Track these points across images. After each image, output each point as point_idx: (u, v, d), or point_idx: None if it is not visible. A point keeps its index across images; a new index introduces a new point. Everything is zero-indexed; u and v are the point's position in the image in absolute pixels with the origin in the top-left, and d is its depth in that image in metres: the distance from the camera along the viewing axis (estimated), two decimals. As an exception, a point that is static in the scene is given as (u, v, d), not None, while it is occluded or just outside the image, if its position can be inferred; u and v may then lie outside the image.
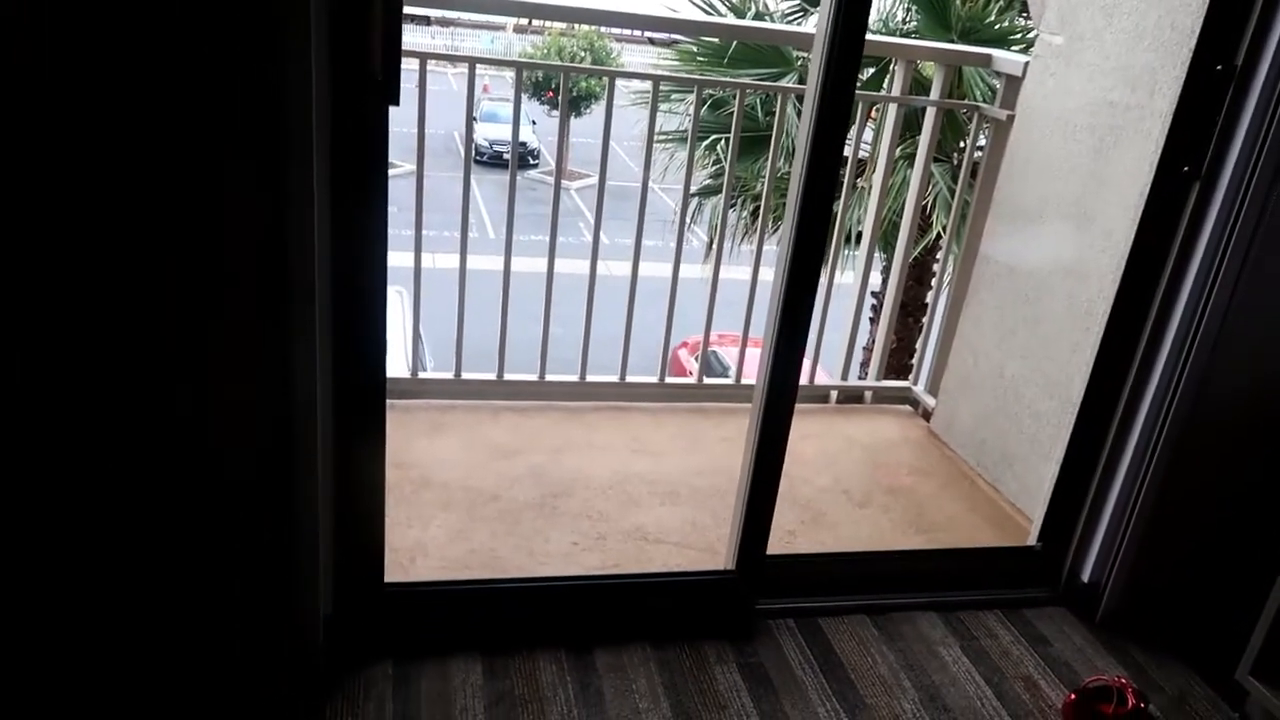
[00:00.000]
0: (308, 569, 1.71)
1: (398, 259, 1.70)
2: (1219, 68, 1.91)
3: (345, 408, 1.71)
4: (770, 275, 1.95)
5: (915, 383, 3.29)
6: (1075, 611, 2.27)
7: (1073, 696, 1.96)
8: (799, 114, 4.66)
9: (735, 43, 5.06)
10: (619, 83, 2.95)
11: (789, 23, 5.86)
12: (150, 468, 1.57)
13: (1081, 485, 2.24)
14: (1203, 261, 1.97)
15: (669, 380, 3.20)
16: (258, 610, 1.73)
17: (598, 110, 12.27)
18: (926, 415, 3.16)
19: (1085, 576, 2.26)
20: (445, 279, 2.93)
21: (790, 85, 4.58)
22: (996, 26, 5.20)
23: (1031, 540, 2.34)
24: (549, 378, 3.00)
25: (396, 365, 3.78)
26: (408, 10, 1.54)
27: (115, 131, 1.36)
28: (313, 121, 1.44)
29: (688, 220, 3.51)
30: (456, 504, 2.41)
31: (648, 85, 3.10)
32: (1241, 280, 1.95)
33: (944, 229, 4.70)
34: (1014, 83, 2.87)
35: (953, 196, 3.95)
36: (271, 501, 1.65)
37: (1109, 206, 2.41)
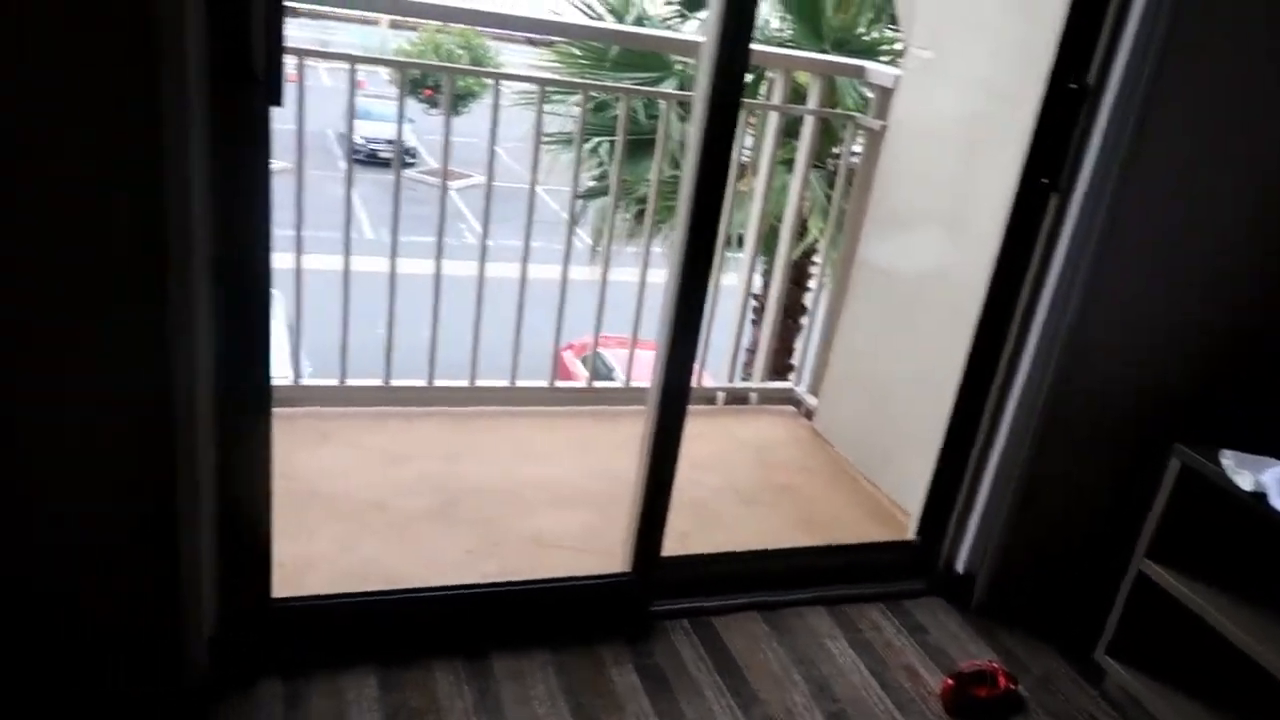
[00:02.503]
0: (189, 586, 1.64)
1: (275, 259, 1.64)
2: (1073, 85, 2.04)
3: (228, 412, 1.65)
4: (654, 277, 1.98)
5: (798, 383, 3.38)
6: (951, 600, 2.39)
7: (950, 681, 2.07)
8: (681, 119, 4.73)
9: (616, 47, 5.10)
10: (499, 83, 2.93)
11: (667, 27, 5.94)
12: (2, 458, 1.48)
13: (955, 481, 2.36)
14: (1063, 267, 2.11)
15: (559, 384, 3.20)
16: (133, 630, 1.65)
17: (476, 109, 12.11)
18: (809, 415, 3.26)
19: (960, 567, 2.38)
20: (320, 281, 2.85)
21: (673, 91, 4.65)
22: (866, 38, 5.40)
23: (910, 535, 2.45)
24: (437, 383, 2.96)
25: (278, 371, 3.65)
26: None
27: None
28: (191, 113, 1.39)
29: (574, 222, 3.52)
30: (346, 515, 2.35)
31: (529, 86, 3.09)
32: (1097, 284, 2.09)
33: (821, 233, 4.86)
34: (886, 94, 2.99)
35: (829, 202, 4.08)
36: (148, 511, 1.57)
37: (977, 214, 2.54)
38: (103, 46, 1.33)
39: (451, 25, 17.37)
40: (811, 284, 5.30)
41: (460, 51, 17.28)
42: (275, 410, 1.72)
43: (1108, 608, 2.13)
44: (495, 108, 2.84)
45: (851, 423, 3.04)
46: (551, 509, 2.52)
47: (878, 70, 3.13)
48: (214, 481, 1.66)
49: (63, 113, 1.34)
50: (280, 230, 1.59)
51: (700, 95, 1.79)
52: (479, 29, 17.86)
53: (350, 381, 2.87)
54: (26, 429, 1.48)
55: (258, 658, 1.82)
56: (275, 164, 1.56)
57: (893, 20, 5.46)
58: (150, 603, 1.64)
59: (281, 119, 1.56)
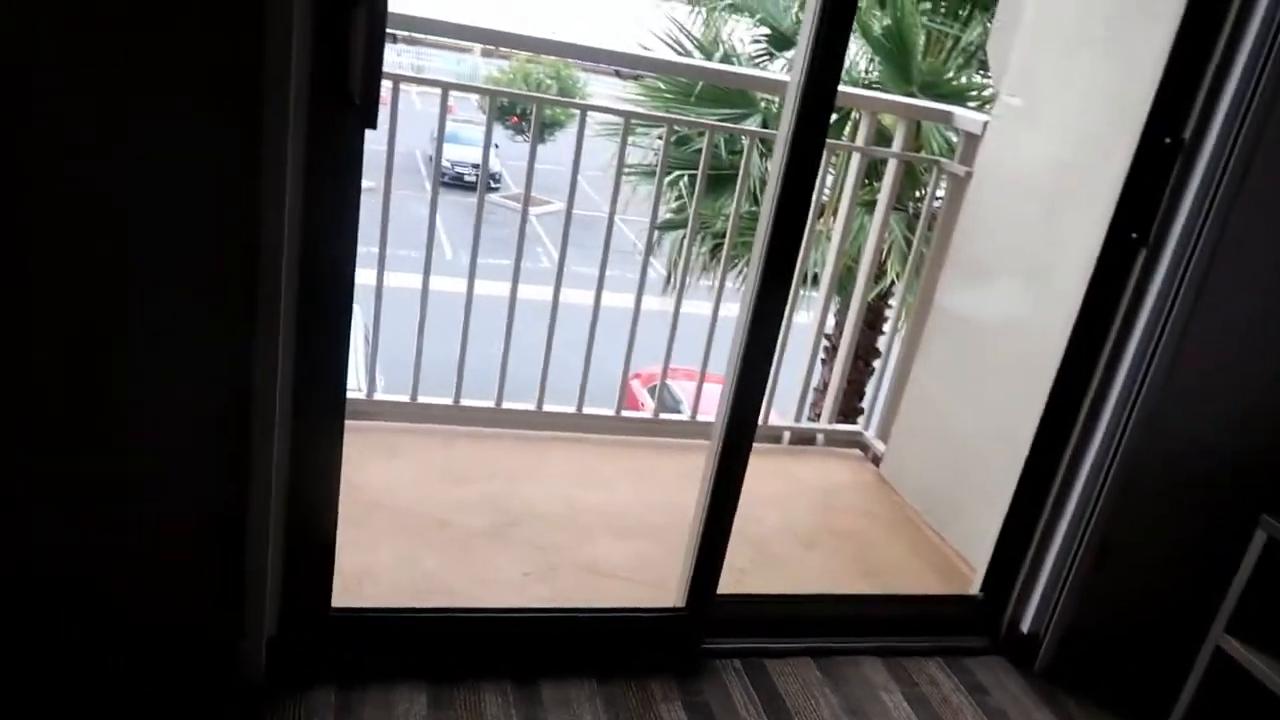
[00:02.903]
0: (253, 587, 1.69)
1: (357, 276, 1.69)
2: (1168, 140, 1.99)
3: (303, 420, 1.69)
4: (727, 311, 1.98)
5: (866, 427, 3.34)
6: (1014, 661, 2.31)
7: (1010, 745, 1.99)
8: (762, 156, 4.74)
9: (701, 82, 5.14)
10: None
11: (756, 65, 5.97)
12: (89, 457, 1.55)
13: (1024, 537, 2.29)
14: (1147, 325, 2.04)
15: (625, 413, 3.21)
16: (196, 627, 1.70)
17: (561, 137, 12.31)
18: (876, 460, 3.20)
19: (1025, 627, 2.31)
20: (400, 298, 2.92)
21: (756, 129, 4.66)
22: (955, 83, 5.35)
23: (974, 589, 2.38)
24: (506, 405, 3.00)
25: (352, 384, 3.74)
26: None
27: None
28: (288, 134, 1.45)
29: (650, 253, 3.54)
30: (407, 529, 2.38)
31: (613, 117, 3.13)
32: (1184, 345, 2.02)
33: (899, 276, 4.80)
34: (973, 140, 2.96)
35: (909, 245, 4.04)
36: (218, 511, 1.62)
37: (1060, 266, 2.49)
38: (215, 70, 1.40)
39: (542, 56, 17.76)
40: (886, 327, 5.24)
41: (549, 81, 17.64)
42: (348, 422, 1.76)
43: (1181, 681, 2.04)
44: (579, 137, 2.89)
45: (919, 470, 2.98)
46: (609, 537, 2.52)
47: (965, 115, 3.10)
48: (284, 487, 1.70)
49: (171, 129, 1.41)
50: (364, 247, 1.64)
51: (783, 134, 1.80)
52: (569, 60, 18.19)
53: (422, 398, 2.93)
54: (119, 430, 1.54)
55: (313, 664, 1.85)
56: (364, 183, 1.61)
57: (983, 66, 5.41)
58: (214, 601, 1.68)
59: (372, 139, 1.61)
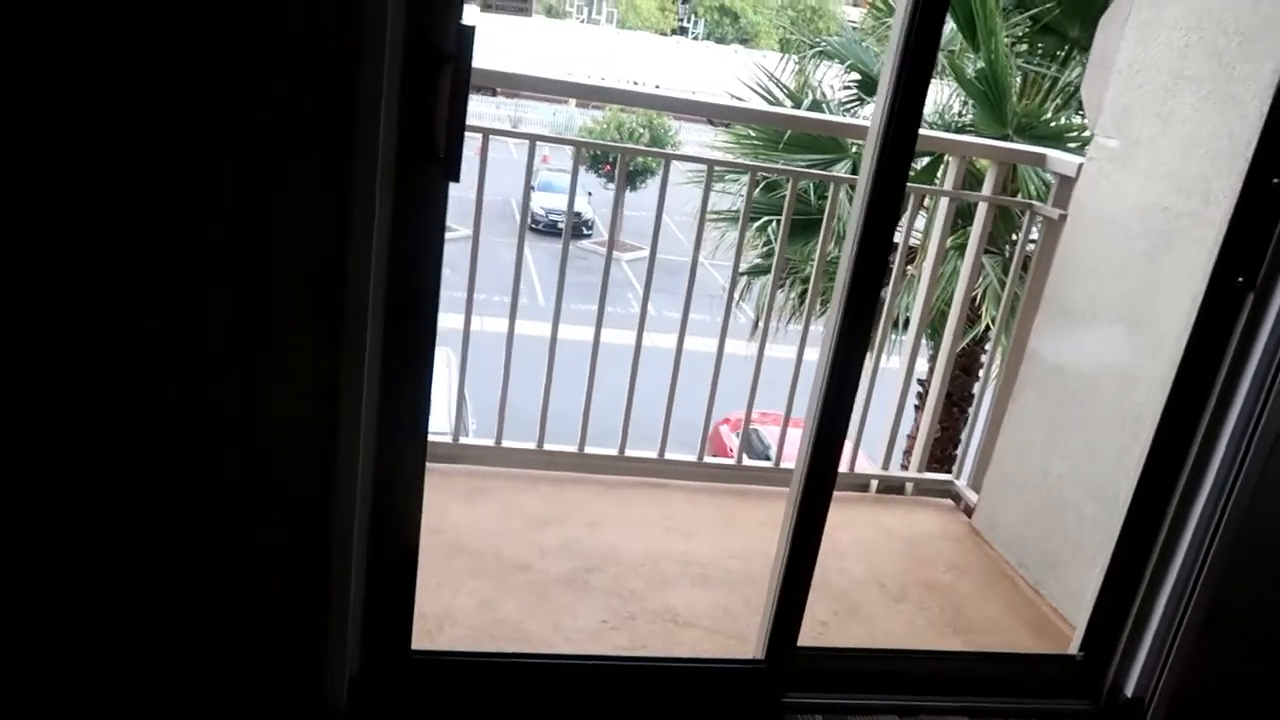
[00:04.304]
0: (336, 624, 1.72)
1: (447, 320, 1.74)
2: (1275, 180, 1.90)
3: (387, 463, 1.73)
4: (815, 356, 1.96)
5: (958, 476, 3.24)
6: (1117, 727, 2.18)
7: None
8: (851, 200, 4.70)
9: (790, 129, 5.15)
10: (675, 161, 3.02)
11: (845, 111, 5.95)
12: (188, 490, 1.61)
13: (1127, 595, 2.17)
14: (1256, 373, 1.94)
15: (707, 459, 3.19)
16: (284, 662, 1.74)
17: (652, 184, 12.48)
18: (968, 511, 3.10)
19: (1129, 691, 2.18)
20: (491, 342, 2.98)
21: (842, 175, 4.64)
22: (1052, 124, 5.23)
23: (1073, 649, 2.27)
24: (588, 450, 3.01)
25: (439, 427, 3.83)
26: (475, 83, 1.60)
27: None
28: (376, 186, 1.50)
29: (736, 298, 3.54)
30: (488, 572, 2.41)
31: (702, 165, 3.16)
32: (1297, 394, 1.91)
33: (993, 321, 4.68)
34: (1067, 182, 2.88)
35: (1002, 289, 3.94)
36: (310, 548, 1.67)
37: (1160, 312, 2.39)
38: (311, 126, 1.47)
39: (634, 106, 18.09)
40: (981, 373, 5.09)
41: (641, 130, 17.93)
42: (434, 466, 1.79)
43: (1303, 757, 1.90)
44: (663, 185, 2.92)
45: (1014, 522, 2.87)
46: (689, 586, 2.49)
47: (1059, 158, 3.02)
48: (367, 524, 1.74)
49: (269, 181, 1.48)
50: (456, 292, 1.68)
51: (864, 178, 1.79)
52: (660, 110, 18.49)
53: (506, 443, 2.97)
54: (214, 462, 1.61)
55: (393, 704, 1.87)
56: (457, 230, 1.65)
57: (1080, 107, 5.28)
58: (299, 636, 1.72)
59: (465, 188, 1.66)
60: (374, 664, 1.84)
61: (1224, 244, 1.97)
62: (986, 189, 3.15)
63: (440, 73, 1.53)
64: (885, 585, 2.65)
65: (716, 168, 3.70)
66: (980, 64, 5.14)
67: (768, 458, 4.68)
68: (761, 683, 2.04)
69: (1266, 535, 2.02)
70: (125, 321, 1.50)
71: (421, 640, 1.90)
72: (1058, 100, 5.36)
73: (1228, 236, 1.96)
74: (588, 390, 2.93)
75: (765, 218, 5.43)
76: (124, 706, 1.70)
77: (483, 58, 1.59)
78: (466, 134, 1.60)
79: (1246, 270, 1.95)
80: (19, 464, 1.53)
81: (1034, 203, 3.19)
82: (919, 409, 5.10)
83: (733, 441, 8.42)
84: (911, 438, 4.74)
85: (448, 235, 1.67)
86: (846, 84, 5.97)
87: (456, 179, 1.60)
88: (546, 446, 2.98)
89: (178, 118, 1.41)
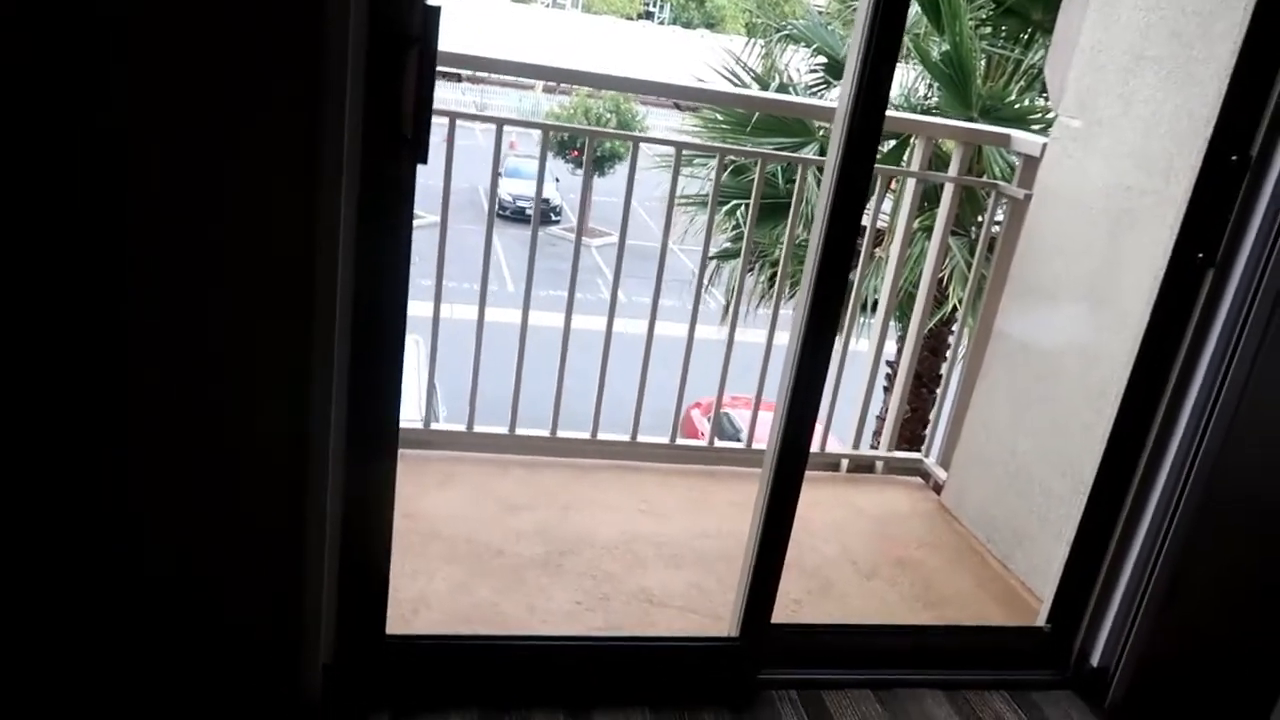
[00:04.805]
0: (310, 613, 1.71)
1: (416, 308, 1.73)
2: (1234, 158, 1.93)
3: (358, 450, 1.72)
4: (785, 339, 1.97)
5: (927, 455, 3.28)
6: (1083, 696, 2.23)
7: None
8: (819, 183, 4.72)
9: (758, 112, 5.16)
10: (643, 145, 3.01)
11: (812, 94, 5.97)
12: (159, 483, 1.59)
13: (1092, 567, 2.22)
14: (1216, 348, 1.98)
15: (680, 441, 3.20)
16: (254, 652, 1.73)
17: (621, 170, 12.44)
18: (937, 488, 3.14)
19: (1094, 660, 2.23)
20: (461, 330, 2.97)
21: (810, 156, 4.65)
22: (1016, 106, 5.28)
23: (1040, 621, 2.31)
24: (560, 434, 3.01)
25: (410, 414, 3.81)
26: (441, 68, 1.59)
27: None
28: (343, 170, 1.49)
29: (705, 282, 3.55)
30: (461, 557, 2.41)
31: (671, 149, 3.16)
32: (1255, 368, 1.95)
33: (960, 302, 4.73)
34: (1032, 162, 2.92)
35: (969, 270, 3.98)
36: (281, 537, 1.66)
37: (1123, 289, 2.43)
38: (271, 108, 1.45)
39: (602, 90, 18.02)
40: (949, 353, 5.15)
41: (609, 115, 17.86)
42: (406, 452, 1.78)
43: (1263, 718, 1.95)
44: (632, 169, 2.92)
45: (982, 498, 2.91)
46: (663, 567, 2.50)
47: (1023, 138, 3.05)
48: (339, 515, 1.73)
49: (230, 166, 1.46)
50: (424, 280, 1.67)
51: (831, 160, 1.79)
52: (627, 94, 18.41)
53: (478, 428, 2.96)
54: (184, 454, 1.59)
55: (368, 690, 1.87)
56: (424, 218, 1.64)
57: (1044, 89, 5.33)
58: (271, 626, 1.72)
59: (432, 175, 1.65)
60: (348, 651, 1.83)
61: (1184, 221, 2.00)
62: (953, 170, 3.18)
63: (407, 55, 1.52)
64: (857, 562, 2.68)
65: (685, 151, 3.70)
66: (945, 47, 5.18)
67: (739, 441, 4.70)
68: (736, 660, 2.06)
69: (1227, 506, 2.07)
70: (102, 315, 1.48)
71: (396, 626, 1.90)
72: (1021, 82, 5.41)
73: (1188, 213, 2.00)
74: (559, 375, 2.92)
75: (734, 202, 5.44)
76: (95, 700, 1.69)
77: (446, 42, 1.58)
78: (433, 119, 1.59)
79: (1206, 246, 1.98)
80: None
81: (999, 183, 3.22)
82: (888, 390, 5.15)
83: (704, 426, 8.44)
84: (881, 418, 4.79)
85: (415, 223, 1.66)
86: (813, 67, 5.99)
87: (424, 161, 1.59)
88: (518, 431, 2.98)
89: (143, 103, 1.39)
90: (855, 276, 3.12)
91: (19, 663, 1.64)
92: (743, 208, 5.43)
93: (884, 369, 3.87)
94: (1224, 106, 1.93)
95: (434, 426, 3.05)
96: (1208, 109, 1.97)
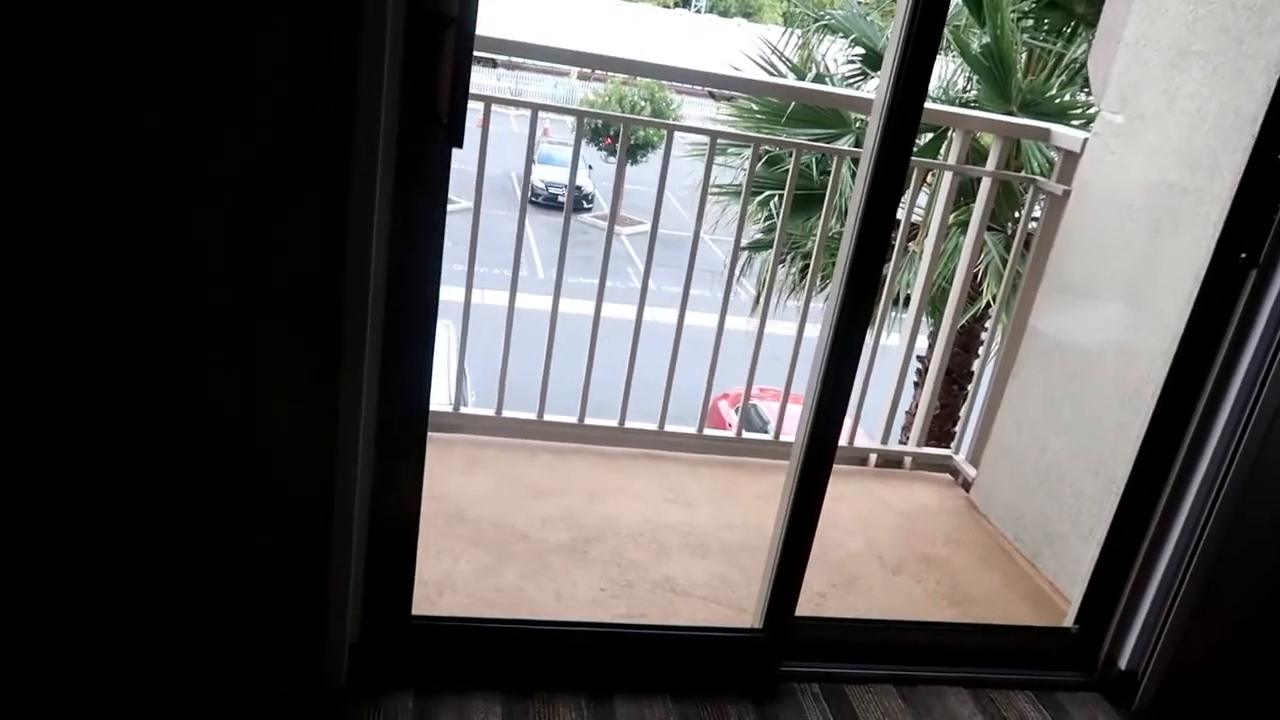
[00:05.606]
0: (336, 592, 1.73)
1: (448, 293, 1.74)
2: (1281, 156, 1.89)
3: (387, 434, 1.73)
4: (816, 332, 1.96)
5: (957, 451, 3.25)
6: (1110, 699, 2.20)
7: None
8: (854, 175, 4.69)
9: (794, 102, 5.12)
10: (677, 134, 3.00)
11: (849, 85, 5.91)
12: (189, 465, 1.62)
13: (1123, 569, 2.19)
14: (1257, 350, 1.94)
15: (707, 432, 3.20)
16: (282, 629, 1.76)
17: (654, 158, 12.42)
18: (966, 485, 3.11)
19: (1123, 664, 2.20)
20: (492, 315, 2.98)
21: (846, 148, 4.61)
22: (1057, 100, 5.20)
23: (1068, 622, 2.29)
24: (588, 421, 3.02)
25: (439, 398, 3.83)
26: (476, 53, 1.59)
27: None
28: (378, 153, 1.50)
29: (737, 273, 3.54)
30: (487, 541, 2.42)
31: (705, 138, 3.15)
32: (1297, 370, 1.92)
33: (994, 298, 4.67)
34: (1071, 158, 2.87)
35: (1004, 266, 3.93)
36: (309, 518, 1.67)
37: (1162, 288, 2.39)
38: (311, 92, 1.45)
39: (637, 78, 17.96)
40: (981, 350, 5.10)
41: (643, 103, 17.81)
42: (434, 435, 1.79)
43: (1293, 730, 1.92)
44: (666, 157, 2.91)
45: (1012, 497, 2.88)
46: (688, 556, 2.51)
47: (1064, 133, 3.01)
48: (368, 498, 1.74)
49: (265, 147, 1.47)
50: (457, 265, 1.68)
51: (867, 152, 1.78)
52: (662, 82, 18.37)
53: (507, 413, 2.97)
54: (216, 437, 1.61)
55: (393, 670, 1.89)
56: (457, 202, 1.65)
57: (1086, 84, 5.25)
58: (300, 606, 1.74)
59: (466, 161, 1.65)
60: (374, 630, 1.86)
61: (1227, 220, 1.96)
62: (990, 164, 3.14)
63: (444, 35, 1.52)
64: (883, 557, 2.67)
65: (719, 141, 3.69)
66: (986, 39, 5.11)
67: (765, 433, 4.69)
68: (759, 651, 2.06)
69: (1263, 511, 2.03)
70: (131, 285, 1.50)
71: (421, 607, 1.92)
72: (1063, 76, 5.33)
73: (1232, 212, 1.96)
74: (588, 362, 2.93)
75: (767, 192, 5.41)
76: (124, 682, 1.72)
77: (482, 26, 1.58)
78: (469, 102, 1.59)
79: (1250, 246, 1.95)
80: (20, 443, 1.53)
81: (1037, 178, 3.18)
82: (918, 386, 5.11)
83: (731, 417, 8.42)
84: (910, 414, 4.75)
85: (449, 207, 1.66)
86: (850, 58, 5.93)
87: (460, 144, 1.59)
88: (547, 417, 2.98)
89: (172, 88, 1.40)
90: (889, 270, 3.09)
91: (55, 646, 1.67)
92: (776, 198, 5.39)
93: (914, 364, 3.84)
94: (1272, 104, 1.89)
95: (463, 410, 3.07)
96: (1255, 106, 1.93)
